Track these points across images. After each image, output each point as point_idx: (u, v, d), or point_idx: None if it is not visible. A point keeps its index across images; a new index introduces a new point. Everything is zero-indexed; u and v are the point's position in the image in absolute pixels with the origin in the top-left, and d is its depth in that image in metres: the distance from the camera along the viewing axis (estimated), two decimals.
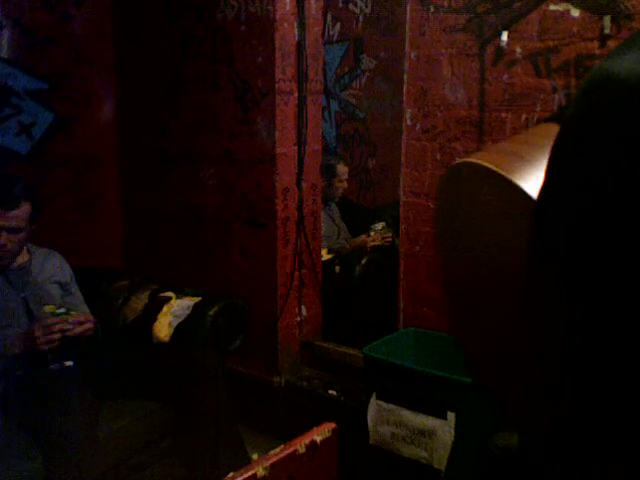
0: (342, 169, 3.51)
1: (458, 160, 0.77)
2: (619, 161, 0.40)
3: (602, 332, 0.46)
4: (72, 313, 2.13)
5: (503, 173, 0.66)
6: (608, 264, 0.43)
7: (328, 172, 3.33)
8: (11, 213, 2.06)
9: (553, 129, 0.69)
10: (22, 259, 2.24)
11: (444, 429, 1.94)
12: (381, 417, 2.09)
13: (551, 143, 0.64)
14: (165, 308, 2.43)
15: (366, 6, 4.17)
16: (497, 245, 0.70)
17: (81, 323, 2.11)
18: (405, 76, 2.30)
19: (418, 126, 2.28)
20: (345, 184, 3.55)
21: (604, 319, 0.45)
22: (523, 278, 0.60)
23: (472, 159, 0.76)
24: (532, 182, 0.64)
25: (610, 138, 0.41)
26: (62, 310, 2.11)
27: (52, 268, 2.33)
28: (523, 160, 0.67)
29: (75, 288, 2.40)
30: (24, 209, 2.09)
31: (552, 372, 0.55)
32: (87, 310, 2.40)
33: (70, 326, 2.07)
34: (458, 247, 0.80)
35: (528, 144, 0.73)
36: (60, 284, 2.33)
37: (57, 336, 2.04)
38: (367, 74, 4.32)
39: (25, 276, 2.22)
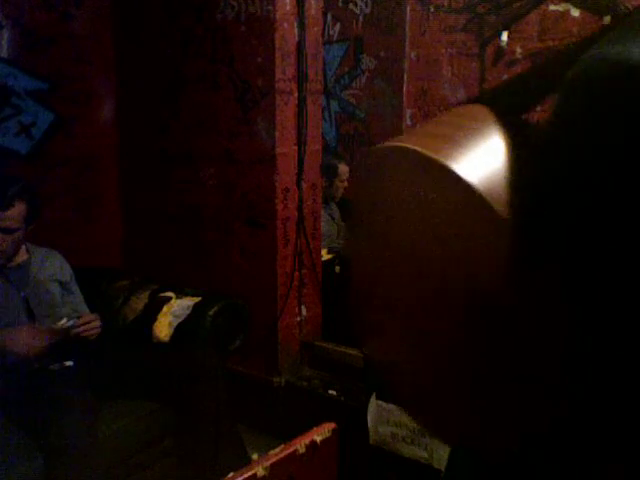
0: (343, 169, 3.52)
1: (381, 144, 0.69)
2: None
3: (603, 331, 0.46)
4: (80, 317, 2.16)
5: (442, 161, 0.60)
6: (611, 263, 0.43)
7: (329, 172, 3.33)
8: (5, 213, 2.05)
9: (481, 111, 0.66)
10: (21, 258, 2.24)
11: None
12: (381, 417, 2.09)
13: (485, 126, 0.62)
14: (165, 308, 2.43)
15: (366, 6, 4.17)
16: (437, 240, 0.63)
17: (88, 322, 2.12)
18: (405, 76, 2.30)
19: (418, 126, 2.28)
20: (346, 184, 3.55)
21: (605, 318, 0.45)
22: (480, 279, 0.56)
23: (402, 143, 0.68)
24: (475, 171, 0.59)
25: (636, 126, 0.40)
26: (71, 322, 2.12)
27: (52, 267, 2.33)
28: (459, 145, 0.61)
29: (75, 288, 2.40)
30: (19, 209, 2.07)
31: (551, 373, 0.55)
32: (87, 310, 2.40)
33: (80, 329, 2.09)
34: (381, 245, 0.71)
35: (460, 128, 0.66)
36: (60, 283, 2.33)
37: (38, 345, 2.02)
38: (367, 74, 4.32)
39: (25, 275, 2.22)
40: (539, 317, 0.55)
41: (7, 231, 2.08)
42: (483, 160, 0.59)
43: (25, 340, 2.00)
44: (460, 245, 0.60)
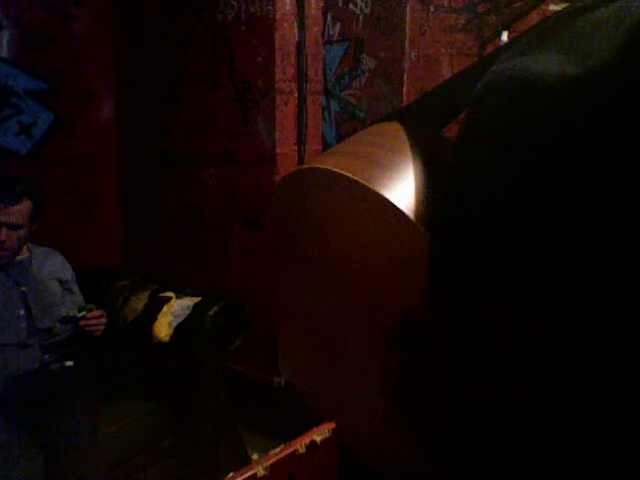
0: None
1: (303, 165, 0.69)
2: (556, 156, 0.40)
3: (604, 331, 0.46)
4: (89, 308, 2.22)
5: (367, 184, 0.58)
6: (609, 264, 0.43)
7: None
8: (12, 209, 2.08)
9: (397, 129, 0.65)
10: (22, 256, 2.25)
11: None
12: None
13: (403, 144, 0.61)
14: (165, 308, 2.43)
15: (366, 6, 4.16)
16: (359, 258, 0.61)
17: (98, 317, 2.18)
18: (405, 76, 2.30)
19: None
20: None
21: (606, 319, 0.45)
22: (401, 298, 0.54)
23: (321, 165, 0.66)
24: (396, 190, 0.58)
25: (548, 138, 0.40)
26: (82, 314, 2.17)
27: (53, 266, 2.33)
28: (381, 166, 0.60)
29: (75, 288, 2.40)
30: (25, 206, 2.11)
31: (552, 373, 0.55)
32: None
33: (90, 322, 2.16)
34: (302, 264, 0.69)
35: (379, 146, 0.65)
36: (60, 282, 2.33)
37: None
38: (367, 74, 4.31)
39: (25, 271, 2.23)
40: (533, 321, 0.55)
41: (13, 227, 2.10)
42: (403, 178, 0.58)
43: None
44: (382, 261, 0.59)
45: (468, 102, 0.49)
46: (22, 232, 2.13)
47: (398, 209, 0.58)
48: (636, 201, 0.38)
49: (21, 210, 2.09)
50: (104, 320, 2.20)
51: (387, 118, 0.69)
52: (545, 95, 0.41)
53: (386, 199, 0.59)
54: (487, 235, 0.45)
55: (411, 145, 0.62)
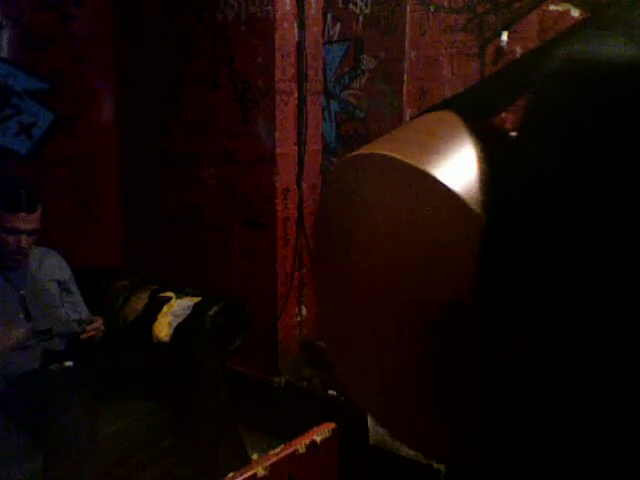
0: None
1: (353, 152, 0.68)
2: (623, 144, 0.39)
3: (606, 331, 0.46)
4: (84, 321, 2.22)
5: (421, 167, 0.59)
6: (615, 265, 0.43)
7: (324, 175, 3.32)
8: (32, 216, 2.11)
9: (449, 117, 0.66)
10: None
11: None
12: None
13: (456, 131, 0.61)
14: (165, 308, 2.43)
15: (366, 6, 4.16)
16: (414, 245, 0.61)
17: (97, 328, 2.20)
18: (405, 76, 2.30)
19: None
20: None
21: (608, 319, 0.45)
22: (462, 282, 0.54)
23: (375, 150, 0.67)
24: (452, 174, 0.58)
25: (614, 126, 0.40)
26: (83, 327, 2.19)
27: (51, 267, 2.33)
28: (435, 152, 0.61)
29: (74, 287, 2.40)
30: (40, 211, 2.14)
31: (552, 373, 0.55)
32: (86, 309, 2.40)
33: (91, 334, 2.18)
34: (352, 253, 0.69)
35: (432, 134, 0.65)
36: (59, 283, 2.33)
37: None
38: (367, 74, 4.31)
39: (23, 274, 2.22)
40: (536, 320, 0.55)
41: (32, 233, 2.14)
42: (458, 163, 0.58)
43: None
44: (438, 248, 0.59)
45: (526, 89, 0.49)
46: (36, 236, 2.17)
47: (452, 191, 0.58)
48: None
49: (38, 216, 2.13)
50: (102, 328, 2.23)
51: (437, 107, 0.69)
52: (612, 79, 0.40)
53: (441, 182, 0.59)
54: (541, 228, 0.45)
55: (464, 133, 0.62)
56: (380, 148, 0.67)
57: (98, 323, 2.21)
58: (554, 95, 0.45)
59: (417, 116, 0.73)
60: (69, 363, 2.18)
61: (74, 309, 2.35)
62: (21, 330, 2.08)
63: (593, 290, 0.46)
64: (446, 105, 0.69)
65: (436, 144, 0.62)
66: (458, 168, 0.58)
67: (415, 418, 0.69)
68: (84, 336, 2.16)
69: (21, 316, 2.15)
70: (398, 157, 0.61)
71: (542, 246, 0.47)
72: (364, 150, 0.68)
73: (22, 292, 2.19)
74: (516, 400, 0.62)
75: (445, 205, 0.57)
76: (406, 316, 0.64)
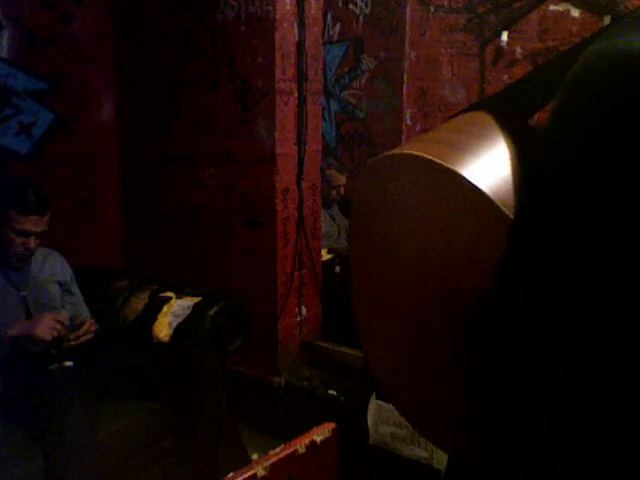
0: (334, 175, 3.47)
1: (385, 153, 0.69)
2: None
3: (606, 331, 0.46)
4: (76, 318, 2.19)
5: (449, 166, 0.60)
6: (613, 264, 0.43)
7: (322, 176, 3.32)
8: (44, 219, 2.13)
9: (483, 117, 0.66)
10: None
11: None
12: (381, 417, 2.09)
13: (489, 130, 0.61)
14: (165, 308, 2.43)
15: (366, 6, 4.17)
16: (445, 246, 0.62)
17: (85, 330, 2.16)
18: (405, 76, 2.30)
19: (418, 126, 2.29)
20: (341, 190, 3.51)
21: (608, 319, 0.45)
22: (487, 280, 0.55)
23: (408, 150, 0.68)
24: (482, 175, 0.59)
25: None
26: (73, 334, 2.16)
27: (52, 267, 2.33)
28: (464, 151, 0.61)
29: (75, 288, 2.40)
30: (50, 214, 2.16)
31: (552, 373, 0.55)
32: (87, 310, 2.40)
33: (84, 337, 2.15)
34: (386, 253, 0.70)
35: (464, 133, 0.66)
36: (60, 284, 2.34)
37: (60, 329, 2.04)
38: (367, 74, 4.32)
39: (25, 275, 2.23)
40: (539, 322, 0.55)
41: (41, 235, 2.15)
42: (489, 164, 0.59)
43: (50, 326, 2.02)
44: (468, 249, 0.59)
45: (561, 85, 0.48)
46: (42, 238, 2.18)
47: (480, 190, 0.58)
48: None
49: (48, 219, 2.15)
50: (93, 328, 2.20)
51: (473, 107, 0.69)
52: None
53: (468, 181, 0.59)
54: (573, 226, 0.44)
55: (497, 132, 0.62)
56: (412, 148, 0.68)
57: (86, 325, 2.17)
58: (583, 92, 0.45)
59: (453, 117, 0.73)
60: (69, 363, 2.18)
61: (75, 310, 2.35)
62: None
63: (593, 290, 0.46)
64: (483, 105, 0.69)
65: (468, 143, 0.62)
66: (488, 168, 0.58)
67: (433, 410, 0.69)
68: (74, 343, 2.13)
69: (22, 318, 2.16)
70: (428, 157, 0.62)
71: (564, 249, 0.47)
72: (396, 151, 0.68)
73: (23, 293, 2.20)
74: (516, 400, 0.63)
75: (473, 204, 0.57)
76: (433, 313, 0.64)
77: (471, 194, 0.56)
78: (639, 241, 0.41)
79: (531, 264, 0.52)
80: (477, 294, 0.57)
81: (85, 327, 2.16)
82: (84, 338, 2.16)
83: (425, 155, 0.62)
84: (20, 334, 2.02)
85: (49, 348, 2.07)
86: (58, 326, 2.04)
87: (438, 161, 0.60)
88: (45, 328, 2.01)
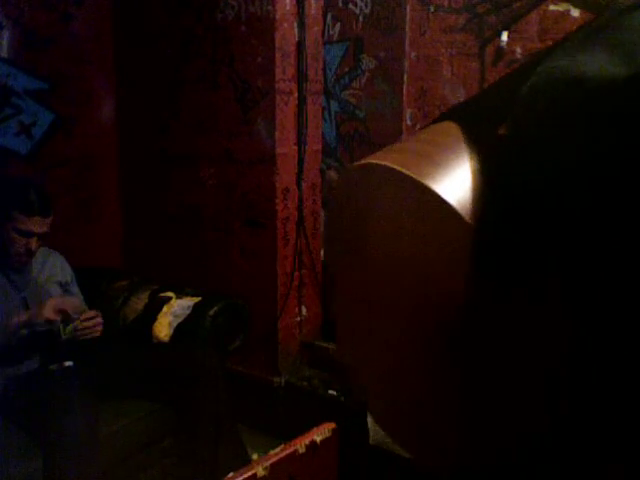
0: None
1: (358, 162, 0.71)
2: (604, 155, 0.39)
3: (605, 332, 0.46)
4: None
5: (417, 177, 0.61)
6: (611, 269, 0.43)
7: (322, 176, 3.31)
8: (47, 220, 2.12)
9: (451, 127, 0.67)
10: None
11: None
12: None
13: (458, 142, 0.62)
14: (165, 308, 2.43)
15: (366, 6, 4.16)
16: (411, 255, 0.63)
17: (92, 318, 2.11)
18: (405, 76, 2.30)
19: (418, 126, 2.29)
20: None
21: (607, 319, 0.45)
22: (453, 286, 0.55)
23: (377, 160, 0.69)
24: (447, 186, 0.60)
25: (600, 143, 0.40)
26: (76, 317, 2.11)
27: (52, 268, 2.33)
28: (433, 162, 0.63)
29: (75, 289, 2.40)
30: (52, 216, 2.15)
31: (552, 373, 0.55)
32: (87, 310, 2.40)
33: (86, 331, 2.09)
34: (360, 259, 0.72)
35: (434, 144, 0.67)
36: (60, 284, 2.33)
37: (65, 309, 2.01)
38: (367, 74, 4.31)
39: (26, 276, 2.22)
40: (537, 324, 0.55)
41: (43, 236, 2.14)
42: (454, 173, 0.60)
43: (55, 306, 2.01)
44: (431, 256, 0.60)
45: (514, 102, 0.49)
46: (44, 240, 2.18)
47: (445, 201, 0.60)
48: None
49: (50, 221, 2.14)
50: (100, 320, 2.14)
51: (442, 117, 0.70)
52: (591, 96, 0.40)
53: (434, 192, 0.60)
54: (528, 235, 0.45)
55: (464, 143, 0.63)
56: (382, 158, 0.69)
57: (93, 313, 2.11)
58: (533, 108, 0.46)
59: (425, 127, 0.75)
60: (69, 363, 2.18)
61: (74, 311, 2.35)
62: (22, 331, 2.07)
63: (592, 290, 0.47)
64: (453, 114, 0.70)
65: (435, 154, 0.64)
66: (453, 179, 0.59)
67: (418, 420, 0.69)
68: (80, 328, 2.05)
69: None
70: (395, 167, 0.63)
71: (530, 252, 0.47)
72: (368, 160, 0.69)
73: (24, 294, 2.19)
74: (516, 400, 0.63)
75: (438, 213, 0.58)
76: (410, 320, 0.65)
77: (434, 202, 0.58)
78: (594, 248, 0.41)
79: (493, 267, 0.52)
80: (450, 298, 0.58)
81: (93, 319, 2.11)
82: (90, 331, 2.10)
83: (393, 165, 0.64)
84: (26, 319, 2.00)
85: (57, 328, 2.03)
86: (64, 306, 2.03)
87: (404, 171, 0.62)
88: (50, 308, 2.00)
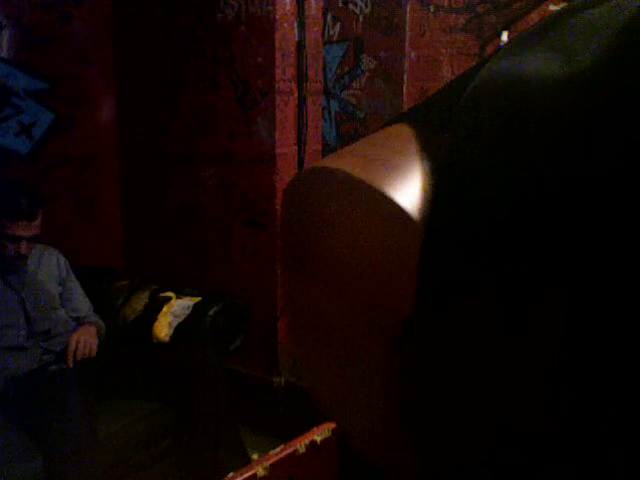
0: None
1: (311, 165, 0.71)
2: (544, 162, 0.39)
3: (605, 332, 0.46)
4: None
5: (372, 183, 0.61)
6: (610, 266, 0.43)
7: None
8: (33, 223, 2.11)
9: (403, 130, 0.67)
10: None
11: None
12: None
13: (412, 146, 0.62)
14: (165, 308, 2.43)
15: (366, 6, 4.16)
16: (365, 261, 0.63)
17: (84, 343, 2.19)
18: (405, 76, 2.30)
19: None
20: None
21: (607, 319, 0.45)
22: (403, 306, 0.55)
23: (330, 164, 0.69)
24: (404, 193, 0.60)
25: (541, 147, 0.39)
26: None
27: (49, 265, 2.32)
28: (384, 165, 0.63)
29: (74, 282, 2.39)
30: (41, 217, 2.14)
31: (552, 374, 0.55)
32: (88, 302, 2.39)
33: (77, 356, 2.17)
34: (309, 267, 0.71)
35: (388, 148, 0.67)
36: (58, 281, 2.33)
37: None
38: (367, 74, 4.31)
39: (23, 276, 2.22)
40: (528, 328, 0.55)
41: (33, 239, 2.14)
42: (405, 177, 0.60)
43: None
44: (382, 260, 0.61)
45: (458, 104, 0.49)
46: (35, 242, 2.18)
47: (397, 204, 0.59)
48: (635, 202, 0.38)
49: (38, 223, 2.14)
50: (94, 346, 2.22)
51: (396, 120, 0.70)
52: (533, 95, 0.40)
53: (386, 195, 0.60)
54: (477, 239, 0.44)
55: (416, 146, 0.63)
56: (331, 161, 0.69)
57: (74, 340, 2.18)
58: (477, 109, 0.45)
59: (380, 128, 0.75)
60: None
61: (74, 309, 2.35)
62: (21, 332, 2.08)
63: (590, 290, 0.47)
64: (407, 116, 0.70)
65: (385, 157, 0.64)
66: (405, 182, 0.59)
67: (363, 415, 0.69)
68: (71, 358, 2.15)
69: (21, 321, 2.15)
70: (347, 170, 0.64)
71: (480, 255, 0.47)
72: (319, 163, 0.69)
73: (22, 295, 2.19)
74: (516, 401, 0.63)
75: (390, 216, 0.59)
76: (367, 328, 0.65)
77: (388, 208, 0.57)
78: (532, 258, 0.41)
79: (442, 272, 0.52)
80: (398, 307, 0.58)
81: (87, 347, 2.20)
82: (83, 347, 2.19)
83: (341, 168, 0.63)
84: None
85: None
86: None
87: (356, 176, 0.62)
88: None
